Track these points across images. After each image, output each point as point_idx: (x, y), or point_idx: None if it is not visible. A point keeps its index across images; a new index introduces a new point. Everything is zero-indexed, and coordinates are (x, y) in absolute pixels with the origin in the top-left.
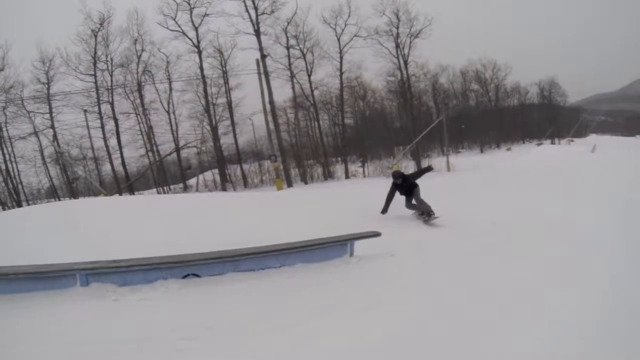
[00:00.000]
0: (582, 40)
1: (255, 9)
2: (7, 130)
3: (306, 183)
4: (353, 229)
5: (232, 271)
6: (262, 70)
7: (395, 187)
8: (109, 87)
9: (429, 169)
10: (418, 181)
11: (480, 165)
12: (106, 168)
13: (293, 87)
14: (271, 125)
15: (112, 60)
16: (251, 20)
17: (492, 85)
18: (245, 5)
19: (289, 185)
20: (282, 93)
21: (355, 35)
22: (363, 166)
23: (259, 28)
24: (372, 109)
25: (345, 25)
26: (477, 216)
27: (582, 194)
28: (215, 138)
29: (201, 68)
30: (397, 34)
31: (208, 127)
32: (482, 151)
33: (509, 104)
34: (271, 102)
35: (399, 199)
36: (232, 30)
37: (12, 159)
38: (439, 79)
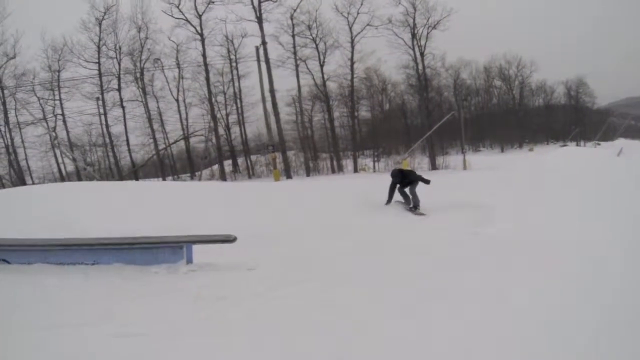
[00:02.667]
0: (616, 41)
1: None
2: (16, 116)
3: (308, 175)
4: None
5: (41, 262)
6: (262, 58)
7: (394, 183)
8: (117, 75)
9: (427, 181)
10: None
11: (498, 165)
12: (114, 156)
13: (297, 77)
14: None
15: (120, 48)
16: (253, 7)
17: (516, 83)
18: None
19: (288, 177)
20: (292, 82)
21: (368, 25)
22: (375, 161)
23: (261, 15)
24: (393, 103)
25: (358, 13)
26: (464, 220)
27: (600, 206)
28: (216, 127)
29: (204, 56)
30: (414, 24)
31: (211, 117)
32: (502, 150)
33: (534, 103)
34: (271, 90)
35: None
36: (234, 17)
37: (15, 144)
38: (460, 74)
